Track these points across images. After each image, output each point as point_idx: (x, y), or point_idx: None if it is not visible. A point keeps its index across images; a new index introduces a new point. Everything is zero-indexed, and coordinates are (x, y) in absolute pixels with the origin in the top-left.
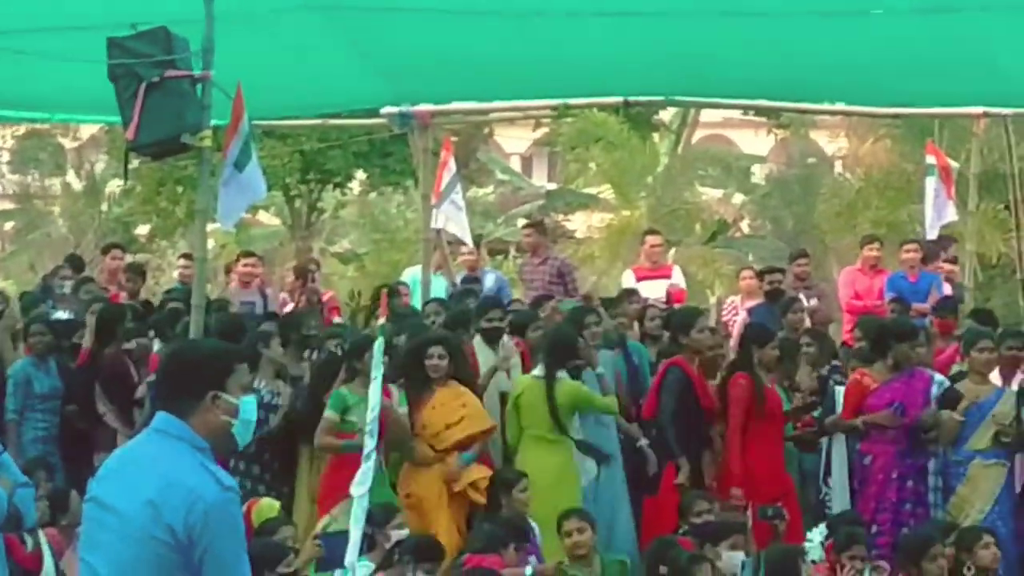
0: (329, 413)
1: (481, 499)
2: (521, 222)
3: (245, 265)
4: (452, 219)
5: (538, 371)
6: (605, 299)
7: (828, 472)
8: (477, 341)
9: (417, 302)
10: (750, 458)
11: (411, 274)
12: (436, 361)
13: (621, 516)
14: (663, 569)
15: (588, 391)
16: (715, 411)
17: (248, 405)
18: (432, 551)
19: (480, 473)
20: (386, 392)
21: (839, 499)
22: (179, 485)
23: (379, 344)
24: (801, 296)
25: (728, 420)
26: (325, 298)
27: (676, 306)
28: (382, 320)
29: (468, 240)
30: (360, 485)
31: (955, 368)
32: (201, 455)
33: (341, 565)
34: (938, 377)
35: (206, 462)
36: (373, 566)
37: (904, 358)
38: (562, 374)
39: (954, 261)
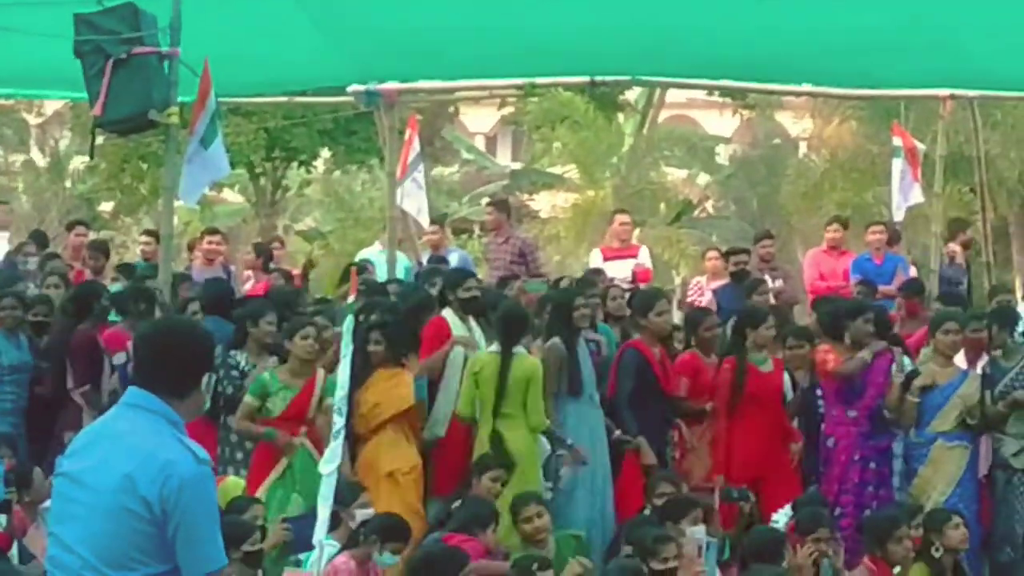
0: (248, 398)
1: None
2: (485, 201)
3: (210, 242)
4: (411, 197)
5: (495, 347)
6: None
7: None
8: (448, 313)
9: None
10: (731, 440)
11: (367, 254)
12: (373, 347)
13: (601, 499)
14: (628, 549)
15: (540, 381)
16: (677, 393)
17: None
18: (399, 531)
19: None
20: None
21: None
22: (154, 458)
23: (348, 322)
24: (767, 277)
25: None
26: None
27: (641, 286)
28: (351, 298)
29: (425, 220)
30: (328, 463)
31: (925, 351)
32: (175, 428)
33: (306, 548)
34: (905, 360)
35: (180, 436)
36: (338, 545)
37: (861, 334)
38: (520, 350)
39: (967, 245)
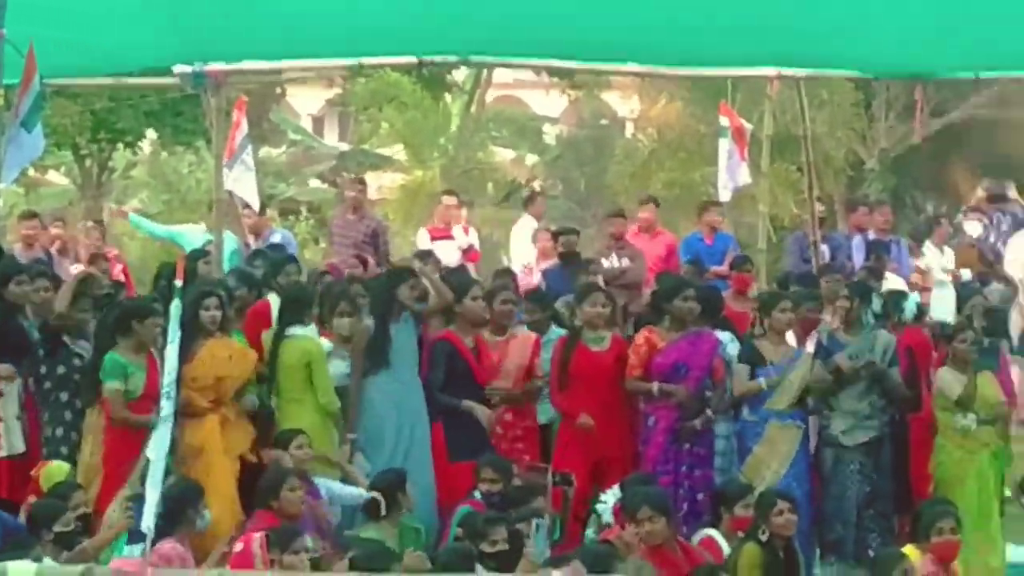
0: (114, 383)
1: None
2: (313, 182)
3: (26, 227)
4: (241, 180)
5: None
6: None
7: None
8: (273, 297)
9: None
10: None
11: (186, 232)
12: (213, 312)
13: (421, 481)
14: (459, 531)
15: (322, 361)
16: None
17: None
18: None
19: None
20: None
21: None
22: None
23: (176, 306)
24: (613, 256)
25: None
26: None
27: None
28: (178, 282)
29: (255, 203)
30: (157, 448)
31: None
32: None
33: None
34: (726, 336)
35: None
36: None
37: (681, 313)
38: (300, 329)
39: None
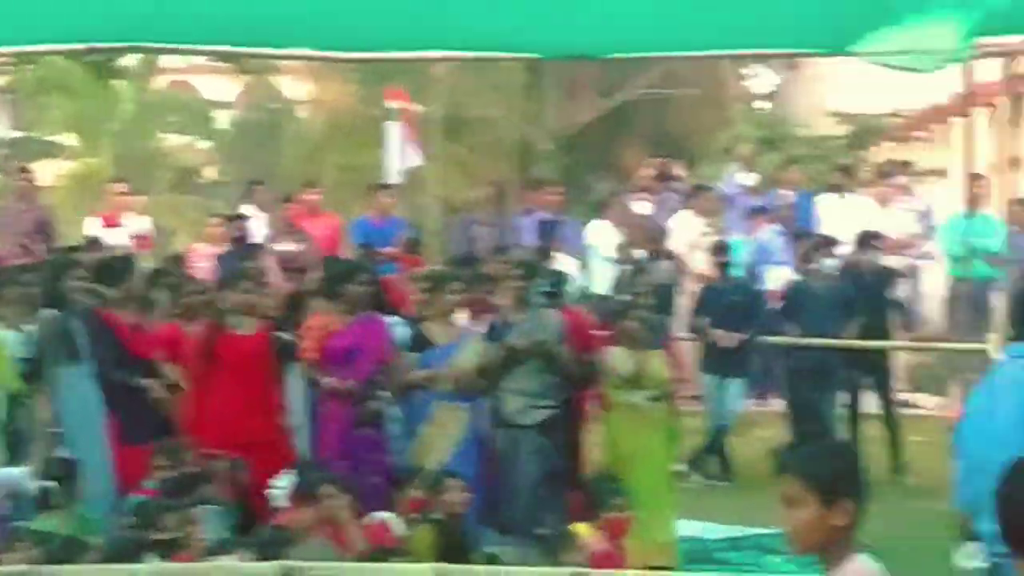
0: None
1: None
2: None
3: None
4: None
5: None
6: (70, 248)
7: None
8: None
9: None
10: (208, 405)
11: None
12: None
13: (99, 467)
14: (133, 520)
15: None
16: (155, 357)
17: None
18: None
19: None
20: None
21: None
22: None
23: None
24: (285, 240)
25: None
26: None
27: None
28: None
29: None
30: None
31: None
32: None
33: None
34: (395, 319)
35: None
36: None
37: (355, 298)
38: None
39: None
